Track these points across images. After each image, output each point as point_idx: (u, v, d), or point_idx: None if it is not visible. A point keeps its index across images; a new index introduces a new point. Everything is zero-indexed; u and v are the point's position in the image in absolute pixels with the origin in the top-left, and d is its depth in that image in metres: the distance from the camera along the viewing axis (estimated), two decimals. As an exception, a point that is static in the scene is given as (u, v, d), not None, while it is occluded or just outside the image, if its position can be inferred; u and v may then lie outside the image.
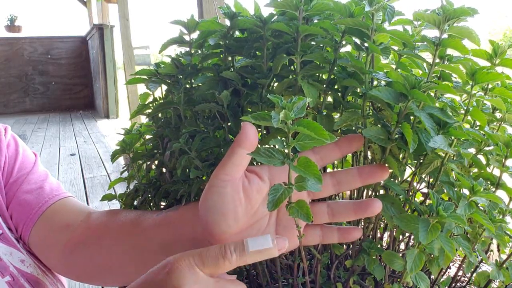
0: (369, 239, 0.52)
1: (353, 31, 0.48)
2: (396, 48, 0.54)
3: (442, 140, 0.43)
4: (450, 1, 0.46)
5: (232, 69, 0.54)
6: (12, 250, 0.62)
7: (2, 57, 7.90)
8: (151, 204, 0.66)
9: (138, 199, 0.66)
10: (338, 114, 0.53)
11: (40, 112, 8.03)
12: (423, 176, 0.52)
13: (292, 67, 0.53)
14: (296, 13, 0.48)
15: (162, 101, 0.62)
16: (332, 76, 0.50)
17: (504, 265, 0.54)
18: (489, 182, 0.54)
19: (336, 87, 0.52)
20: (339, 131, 0.51)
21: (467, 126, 0.54)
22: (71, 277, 0.65)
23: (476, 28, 0.45)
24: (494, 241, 0.58)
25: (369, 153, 0.51)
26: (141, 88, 0.67)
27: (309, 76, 0.51)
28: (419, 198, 0.60)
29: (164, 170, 0.62)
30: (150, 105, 0.62)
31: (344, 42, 0.50)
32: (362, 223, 0.55)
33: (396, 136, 0.46)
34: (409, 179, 0.52)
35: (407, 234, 0.58)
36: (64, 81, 8.32)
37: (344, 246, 0.57)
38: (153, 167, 0.66)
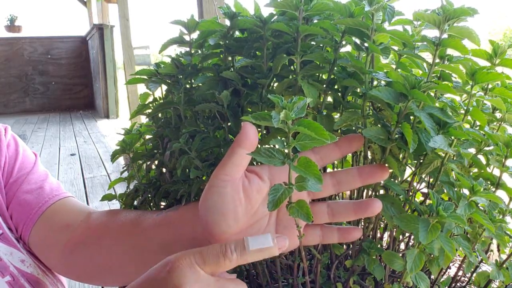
0: (369, 239, 0.52)
1: (353, 31, 0.48)
2: (396, 48, 0.54)
3: (442, 140, 0.43)
4: (450, 1, 0.46)
5: (232, 69, 0.54)
6: (12, 250, 0.62)
7: (2, 57, 7.90)
8: (151, 204, 0.66)
9: (138, 199, 0.66)
10: (338, 114, 0.53)
11: (40, 112, 8.03)
12: (423, 176, 0.52)
13: (292, 67, 0.53)
14: (296, 13, 0.48)
15: (162, 101, 0.62)
16: (332, 76, 0.50)
17: (504, 265, 0.54)
18: (489, 182, 0.54)
19: (336, 87, 0.52)
20: (339, 131, 0.51)
21: (467, 126, 0.54)
22: (71, 277, 0.65)
23: (476, 28, 0.45)
24: (494, 241, 0.58)
25: (369, 153, 0.51)
26: (141, 88, 0.67)
27: (309, 76, 0.51)
28: (419, 198, 0.60)
29: (164, 170, 0.62)
30: (150, 105, 0.62)
31: (344, 42, 0.50)
32: (362, 223, 0.55)
33: (396, 136, 0.46)
34: (409, 179, 0.52)
35: (407, 234, 0.58)
36: (64, 81, 8.32)
37: (344, 246, 0.57)
38: (153, 167, 0.66)
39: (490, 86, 0.50)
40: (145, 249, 0.55)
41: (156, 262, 0.41)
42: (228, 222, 0.44)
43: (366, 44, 0.48)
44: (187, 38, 0.57)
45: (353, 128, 0.52)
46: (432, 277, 0.57)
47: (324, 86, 0.50)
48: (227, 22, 0.54)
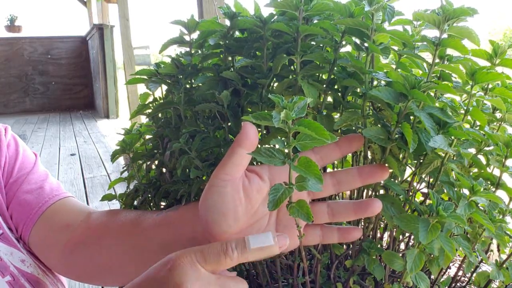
0: (369, 239, 0.52)
1: (353, 31, 0.48)
2: (396, 48, 0.54)
3: (442, 140, 0.43)
4: (450, 1, 0.46)
5: (232, 69, 0.54)
6: (13, 250, 0.62)
7: (2, 57, 7.90)
8: (151, 204, 0.66)
9: (138, 199, 0.66)
10: (338, 114, 0.53)
11: (40, 112, 8.03)
12: (423, 176, 0.52)
13: (292, 67, 0.53)
14: (296, 13, 0.48)
15: (162, 101, 0.62)
16: (332, 76, 0.50)
17: (504, 265, 0.54)
18: (489, 182, 0.54)
19: (336, 87, 0.52)
20: (339, 131, 0.51)
21: (467, 126, 0.54)
22: (71, 277, 0.65)
23: (476, 28, 0.45)
24: (494, 241, 0.58)
25: (369, 153, 0.51)
26: (141, 88, 0.67)
27: (309, 76, 0.51)
28: (419, 198, 0.60)
29: (164, 170, 0.62)
30: (150, 105, 0.62)
31: (344, 42, 0.50)
32: (362, 223, 0.55)
33: (396, 136, 0.46)
34: (409, 179, 0.52)
35: (407, 234, 0.58)
36: (64, 81, 8.32)
37: (344, 246, 0.57)
38: (153, 167, 0.66)
39: (490, 86, 0.50)
40: (145, 249, 0.55)
41: (156, 262, 0.41)
42: (228, 222, 0.44)
43: (366, 44, 0.48)
44: (187, 38, 0.57)
45: (353, 128, 0.52)
46: (432, 277, 0.57)
47: (324, 86, 0.50)
48: (227, 22, 0.54)
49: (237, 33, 0.58)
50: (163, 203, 0.64)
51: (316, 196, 0.49)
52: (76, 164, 4.13)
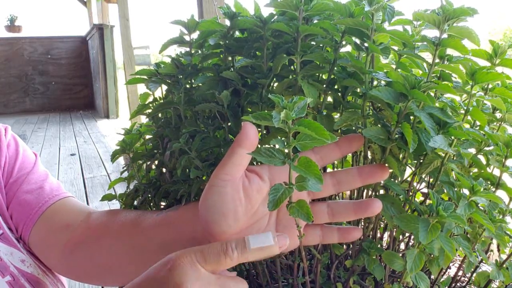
0: (369, 239, 0.52)
1: (353, 31, 0.48)
2: (396, 48, 0.54)
3: (442, 140, 0.43)
4: (450, 1, 0.46)
5: (232, 69, 0.54)
6: (13, 250, 0.62)
7: (2, 57, 7.90)
8: (151, 204, 0.66)
9: (138, 199, 0.66)
10: (338, 114, 0.53)
11: (40, 112, 8.03)
12: (423, 176, 0.52)
13: (292, 67, 0.53)
14: (296, 13, 0.48)
15: (162, 101, 0.62)
16: (332, 76, 0.50)
17: (504, 265, 0.54)
18: (489, 182, 0.54)
19: (336, 87, 0.52)
20: (339, 131, 0.51)
21: (467, 126, 0.54)
22: (71, 277, 0.65)
23: (476, 28, 0.45)
24: (494, 241, 0.58)
25: (369, 153, 0.51)
26: (141, 88, 0.67)
27: (309, 76, 0.51)
28: (419, 198, 0.60)
29: (164, 170, 0.62)
30: (150, 105, 0.62)
31: (344, 42, 0.50)
32: (362, 223, 0.55)
33: (396, 136, 0.46)
34: (409, 179, 0.52)
35: (407, 234, 0.58)
36: (64, 81, 8.32)
37: (344, 246, 0.57)
38: (153, 167, 0.66)
39: (490, 86, 0.50)
40: (145, 249, 0.55)
41: (156, 262, 0.41)
42: (228, 222, 0.44)
43: (366, 44, 0.48)
44: (187, 38, 0.57)
45: (353, 128, 0.52)
46: (432, 277, 0.57)
47: (324, 86, 0.50)
48: (227, 22, 0.54)
49: (237, 33, 0.58)
50: (163, 203, 0.64)
51: (316, 196, 0.49)
52: (76, 164, 4.14)
